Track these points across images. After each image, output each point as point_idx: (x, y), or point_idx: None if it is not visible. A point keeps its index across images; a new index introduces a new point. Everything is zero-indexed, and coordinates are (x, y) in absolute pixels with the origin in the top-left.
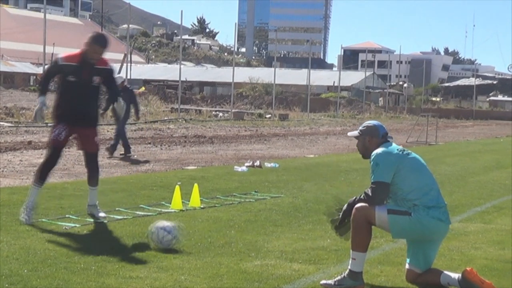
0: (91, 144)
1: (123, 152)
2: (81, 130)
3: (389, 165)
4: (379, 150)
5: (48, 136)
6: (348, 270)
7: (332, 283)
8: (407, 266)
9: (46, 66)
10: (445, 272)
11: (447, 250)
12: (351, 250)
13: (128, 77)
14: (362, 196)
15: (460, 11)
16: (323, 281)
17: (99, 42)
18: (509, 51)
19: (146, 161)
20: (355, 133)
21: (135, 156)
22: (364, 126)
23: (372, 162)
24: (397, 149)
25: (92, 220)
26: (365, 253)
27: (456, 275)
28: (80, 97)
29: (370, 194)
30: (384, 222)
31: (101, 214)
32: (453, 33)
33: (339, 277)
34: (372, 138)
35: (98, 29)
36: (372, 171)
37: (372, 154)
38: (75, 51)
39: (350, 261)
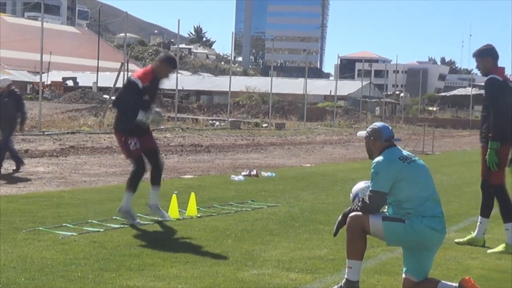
0: (153, 142)
1: (15, 168)
2: (147, 137)
3: (388, 175)
4: (380, 158)
5: (125, 151)
6: (344, 279)
7: None
8: (403, 275)
9: (120, 91)
10: (442, 281)
11: (444, 260)
12: (347, 259)
13: None
14: (357, 206)
15: (456, 21)
16: None
17: (173, 65)
18: (506, 61)
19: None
20: (363, 133)
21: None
22: (370, 128)
23: (372, 170)
24: (400, 157)
25: (89, 229)
26: (361, 261)
27: (453, 285)
28: (149, 111)
29: (368, 202)
30: (379, 229)
31: (166, 216)
32: (450, 43)
33: (336, 287)
34: (376, 141)
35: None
36: (371, 179)
37: (373, 161)
38: (145, 69)
39: (346, 270)
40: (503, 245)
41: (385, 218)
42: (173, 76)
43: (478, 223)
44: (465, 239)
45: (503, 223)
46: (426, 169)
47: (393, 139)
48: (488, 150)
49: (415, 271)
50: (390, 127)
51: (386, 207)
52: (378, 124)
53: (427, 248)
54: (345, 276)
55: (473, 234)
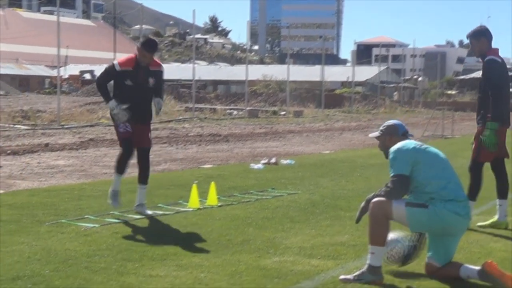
0: (145, 140)
1: None
2: (137, 127)
3: (406, 158)
4: (396, 146)
5: (116, 134)
6: (367, 265)
7: (352, 278)
8: (426, 259)
9: (100, 73)
10: (465, 265)
11: (466, 243)
12: (369, 245)
13: None
14: (381, 191)
15: (474, 3)
16: (342, 276)
17: (146, 48)
18: None
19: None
20: (376, 134)
21: None
22: (384, 126)
23: (390, 158)
24: (415, 144)
25: (110, 220)
26: (384, 247)
27: (476, 268)
28: (137, 98)
29: (391, 186)
30: (402, 215)
31: (148, 212)
32: (468, 25)
33: (358, 272)
34: (392, 137)
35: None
36: (391, 166)
37: (390, 150)
38: (129, 56)
39: (368, 256)
40: (492, 219)
41: (408, 204)
42: (148, 57)
43: (498, 205)
44: (487, 222)
45: (497, 198)
46: (442, 155)
47: (408, 134)
48: (488, 130)
49: (439, 256)
50: (403, 123)
51: (409, 194)
52: (392, 121)
53: (452, 233)
54: (368, 262)
55: (496, 217)
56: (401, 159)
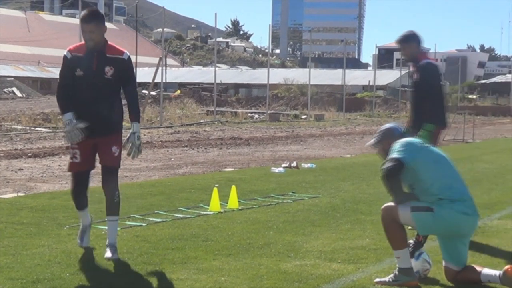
0: (108, 156)
1: None
2: (99, 139)
3: (406, 149)
4: (400, 140)
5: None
6: (398, 268)
7: (387, 280)
8: (443, 263)
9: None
10: (486, 269)
11: (487, 247)
12: (393, 251)
13: (164, 80)
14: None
15: (495, 7)
16: (377, 279)
17: (83, 19)
18: None
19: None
20: (373, 141)
21: None
22: (379, 132)
23: (392, 149)
24: (418, 141)
25: (131, 223)
26: (407, 248)
27: (497, 272)
28: (93, 95)
29: (385, 166)
30: (409, 220)
31: (116, 257)
32: (489, 30)
33: (392, 275)
34: (390, 140)
35: (133, 33)
36: (392, 152)
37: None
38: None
39: (396, 261)
40: None
41: (413, 209)
42: (88, 31)
43: None
44: None
45: None
46: (445, 155)
47: (404, 135)
48: (424, 131)
49: (452, 258)
50: (399, 126)
51: (416, 196)
52: (386, 126)
53: (461, 234)
54: (397, 265)
55: None
56: (399, 148)
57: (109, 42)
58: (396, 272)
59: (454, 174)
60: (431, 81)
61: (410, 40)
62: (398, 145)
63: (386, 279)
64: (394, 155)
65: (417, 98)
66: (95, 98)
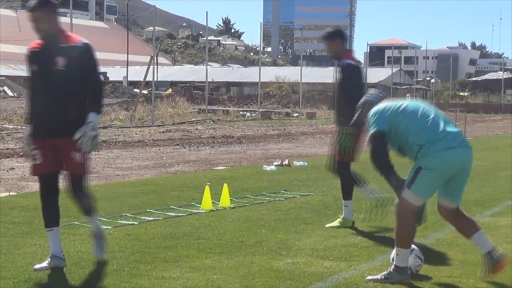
0: (69, 162)
1: None
2: (56, 140)
3: (380, 115)
4: (373, 108)
5: None
6: (393, 266)
7: (379, 278)
8: (438, 200)
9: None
10: (481, 233)
11: None
12: (395, 246)
13: (155, 79)
14: (370, 149)
15: (486, 5)
16: (369, 277)
17: (27, 7)
18: None
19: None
20: (357, 113)
21: None
22: (360, 103)
23: (368, 121)
24: (391, 103)
25: (123, 222)
26: (408, 249)
27: (489, 245)
28: (47, 90)
29: (371, 145)
30: (417, 198)
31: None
32: (480, 27)
33: (385, 272)
34: (367, 109)
35: (124, 32)
36: (370, 125)
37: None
38: None
39: (394, 257)
40: (339, 219)
41: (408, 185)
42: (33, 19)
43: (344, 206)
44: (335, 222)
45: (343, 199)
46: (419, 103)
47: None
48: (344, 134)
49: (449, 196)
50: (378, 92)
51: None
52: (366, 96)
53: (459, 169)
54: (394, 263)
55: (342, 216)
56: (376, 118)
57: (66, 32)
58: (391, 270)
59: (425, 116)
60: (351, 80)
61: (334, 37)
62: (369, 119)
63: (378, 276)
64: (370, 131)
65: (339, 98)
66: (49, 93)
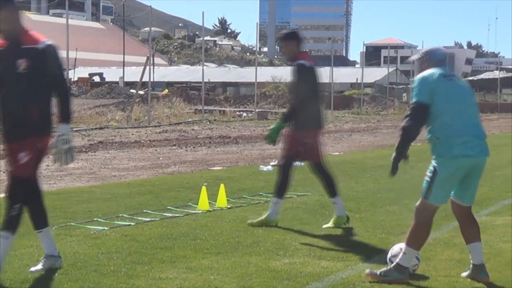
0: (13, 163)
1: None
2: (14, 144)
3: (425, 87)
4: (421, 74)
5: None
6: (395, 263)
7: (378, 273)
8: (452, 198)
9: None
10: (480, 244)
11: None
12: (404, 245)
13: (151, 79)
14: (402, 127)
15: (482, 4)
16: (368, 270)
17: None
18: None
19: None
20: (416, 56)
21: None
22: (422, 51)
23: (413, 86)
24: (441, 73)
25: (120, 223)
26: (417, 251)
27: (481, 259)
28: (8, 93)
29: (410, 113)
30: (437, 206)
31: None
32: (476, 27)
33: (385, 269)
34: (427, 63)
35: (120, 33)
36: (414, 93)
37: (416, 77)
38: None
39: (400, 255)
40: (333, 219)
41: (426, 195)
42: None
43: (273, 204)
44: (257, 219)
45: (331, 197)
46: (467, 90)
47: (443, 63)
48: (274, 126)
49: (464, 197)
50: (444, 50)
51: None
52: (433, 47)
53: (469, 174)
54: (397, 260)
55: (266, 214)
56: (421, 87)
57: (29, 32)
58: (391, 267)
59: (460, 111)
60: (303, 82)
61: (290, 39)
62: (416, 82)
63: (377, 272)
64: (415, 98)
65: (292, 98)
66: (9, 96)
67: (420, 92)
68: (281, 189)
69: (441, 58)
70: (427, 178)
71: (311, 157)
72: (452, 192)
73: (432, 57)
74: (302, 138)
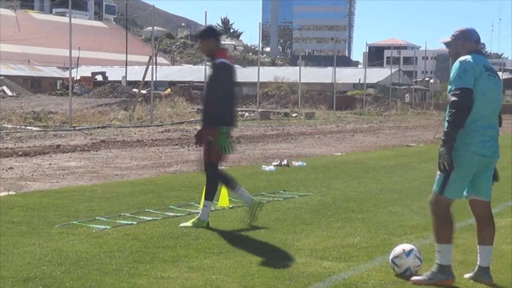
0: None
1: None
2: None
3: (471, 72)
4: (469, 57)
5: None
6: (436, 265)
7: (423, 279)
8: (469, 197)
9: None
10: (491, 248)
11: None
12: (435, 244)
13: (154, 79)
14: (449, 117)
15: (485, 5)
16: (414, 278)
17: None
18: None
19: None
20: (448, 38)
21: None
22: (457, 31)
23: (458, 68)
24: (484, 65)
25: (122, 222)
26: (451, 244)
27: (489, 263)
28: None
29: (457, 99)
30: (451, 200)
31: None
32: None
33: (429, 272)
34: (465, 42)
35: (123, 32)
36: (458, 77)
37: (460, 59)
38: None
39: (436, 255)
40: (194, 219)
41: (441, 190)
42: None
43: (204, 206)
44: (188, 222)
45: (204, 199)
46: (499, 90)
47: (479, 42)
48: (222, 134)
49: (479, 191)
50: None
51: None
52: (465, 26)
53: (483, 171)
54: (437, 261)
55: (197, 216)
56: (470, 73)
57: None
58: (434, 270)
59: (488, 110)
60: (223, 80)
61: (208, 36)
62: (465, 66)
63: (422, 278)
64: (463, 84)
65: (207, 95)
66: None
67: (466, 76)
68: (211, 191)
69: (478, 36)
70: (441, 173)
71: (208, 155)
72: (465, 193)
73: (471, 35)
74: (209, 134)
